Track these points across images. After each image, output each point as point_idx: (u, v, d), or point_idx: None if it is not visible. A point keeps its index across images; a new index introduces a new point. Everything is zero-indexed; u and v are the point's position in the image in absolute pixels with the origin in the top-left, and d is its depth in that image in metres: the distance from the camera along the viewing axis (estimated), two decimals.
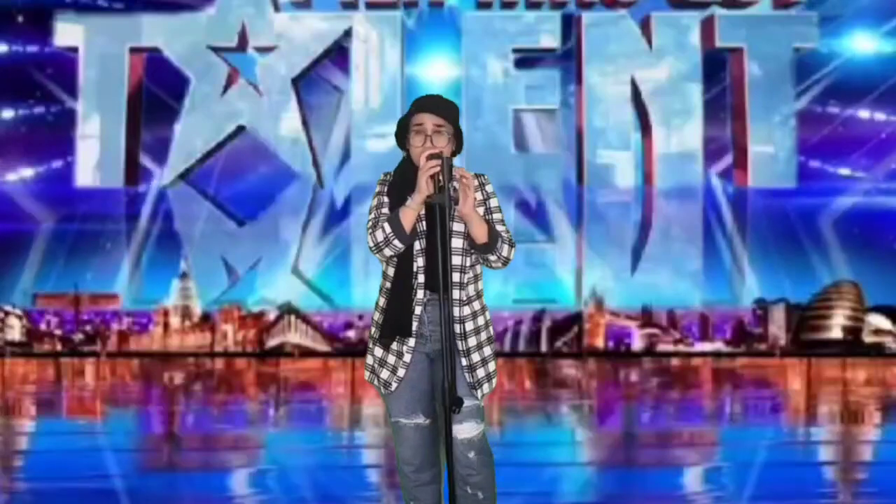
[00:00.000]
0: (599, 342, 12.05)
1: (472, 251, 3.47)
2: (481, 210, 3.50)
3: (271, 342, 12.07)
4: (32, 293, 12.20)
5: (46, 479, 5.50)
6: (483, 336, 3.51)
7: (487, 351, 3.51)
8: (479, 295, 3.54)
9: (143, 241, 12.26)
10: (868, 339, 11.96)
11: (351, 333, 12.13)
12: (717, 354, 11.91)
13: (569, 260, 12.27)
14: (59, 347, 12.08)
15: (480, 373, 3.48)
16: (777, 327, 12.02)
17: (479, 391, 3.48)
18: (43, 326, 12.17)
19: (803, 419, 7.97)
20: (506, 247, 3.46)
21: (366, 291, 12.21)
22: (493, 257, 3.45)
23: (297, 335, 12.01)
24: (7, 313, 12.02)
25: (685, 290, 12.17)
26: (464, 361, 3.46)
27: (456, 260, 3.44)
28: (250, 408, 8.51)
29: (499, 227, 3.49)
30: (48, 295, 12.23)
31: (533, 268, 11.97)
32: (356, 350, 11.96)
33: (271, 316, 12.12)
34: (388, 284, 3.50)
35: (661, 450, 6.55)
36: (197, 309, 12.12)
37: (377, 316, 3.53)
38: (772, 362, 11.63)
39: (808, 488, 5.24)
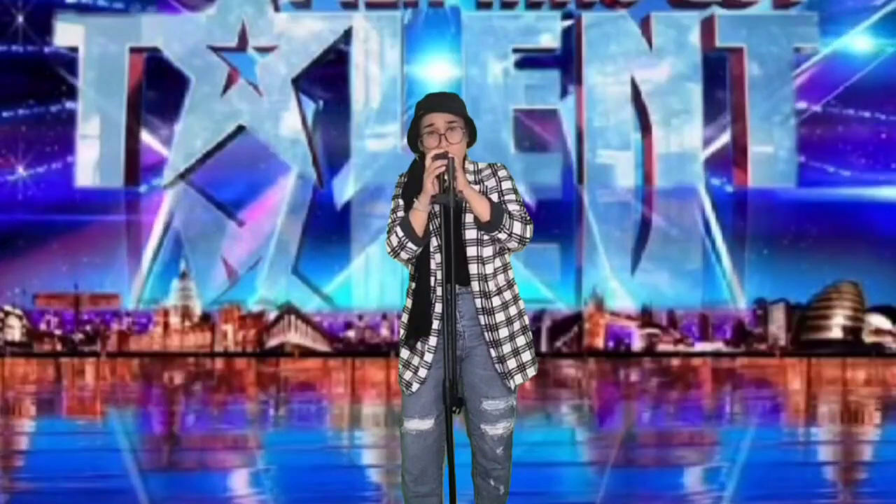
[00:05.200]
0: (599, 342, 12.04)
1: (488, 238, 3.41)
2: (494, 196, 3.45)
3: (271, 342, 12.07)
4: (32, 293, 12.20)
5: (46, 479, 5.50)
6: (516, 326, 3.48)
7: (521, 341, 3.48)
8: (509, 285, 3.49)
9: (143, 241, 12.26)
10: (868, 339, 11.96)
11: (351, 333, 12.12)
12: (717, 354, 11.90)
13: (569, 260, 12.27)
14: (59, 347, 12.08)
15: (511, 363, 3.45)
16: (777, 327, 12.02)
17: (511, 381, 3.46)
18: (43, 326, 12.17)
19: (803, 419, 7.97)
20: (517, 223, 3.38)
21: (366, 291, 12.22)
22: (502, 235, 3.38)
23: (297, 335, 12.00)
24: (7, 313, 12.02)
25: (685, 290, 12.17)
26: (492, 353, 3.45)
27: (471, 251, 3.42)
28: (250, 408, 8.51)
29: (512, 207, 3.43)
30: (48, 295, 12.23)
31: (533, 268, 11.96)
32: (356, 350, 11.97)
33: (271, 316, 12.12)
34: (413, 285, 3.50)
35: (661, 450, 6.55)
36: (197, 309, 12.12)
37: (404, 318, 3.53)
38: (772, 362, 11.62)
39: (808, 488, 5.23)
